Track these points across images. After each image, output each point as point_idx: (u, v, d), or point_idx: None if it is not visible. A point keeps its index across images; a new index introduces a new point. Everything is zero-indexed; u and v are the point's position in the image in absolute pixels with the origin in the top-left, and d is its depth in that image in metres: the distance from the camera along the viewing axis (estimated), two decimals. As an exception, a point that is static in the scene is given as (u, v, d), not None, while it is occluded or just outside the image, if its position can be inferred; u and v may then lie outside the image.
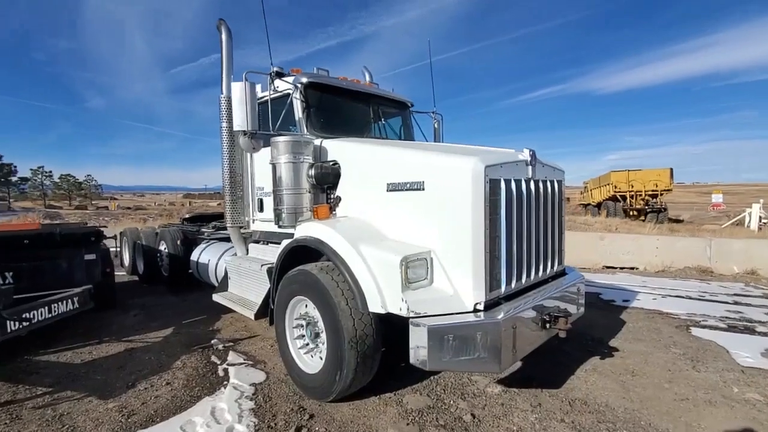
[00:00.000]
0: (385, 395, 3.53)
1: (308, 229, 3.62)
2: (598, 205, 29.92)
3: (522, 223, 3.35)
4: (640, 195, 25.97)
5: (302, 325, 3.63)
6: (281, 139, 3.97)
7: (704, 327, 5.38)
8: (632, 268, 9.78)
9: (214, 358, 4.48)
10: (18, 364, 4.31)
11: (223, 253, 5.81)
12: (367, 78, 6.43)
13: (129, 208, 43.13)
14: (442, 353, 2.73)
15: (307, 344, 3.59)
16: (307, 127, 4.40)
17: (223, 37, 4.74)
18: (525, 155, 3.41)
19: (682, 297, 6.95)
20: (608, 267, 9.96)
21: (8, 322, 3.68)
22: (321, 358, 3.38)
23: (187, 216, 10.03)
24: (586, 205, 33.74)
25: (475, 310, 2.95)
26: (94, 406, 3.48)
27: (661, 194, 25.63)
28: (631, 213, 26.09)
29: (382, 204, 3.56)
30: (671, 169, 25.76)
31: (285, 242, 3.88)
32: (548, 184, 3.73)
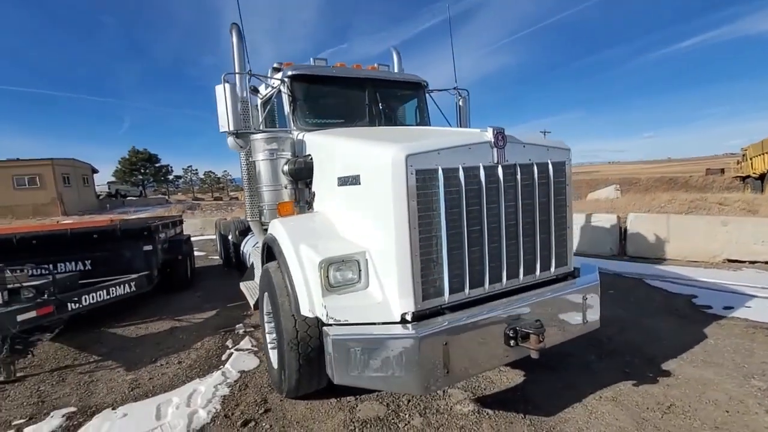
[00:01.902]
0: (345, 399, 3.39)
1: (271, 227, 3.63)
2: (761, 177, 23.40)
3: (482, 220, 2.79)
4: (826, 162, 19.46)
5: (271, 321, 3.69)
6: (258, 136, 4.03)
7: (830, 354, 3.81)
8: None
9: (229, 342, 4.90)
10: (92, 334, 5.37)
11: (256, 244, 6.26)
12: (395, 60, 6.10)
13: (256, 197, 49.80)
14: (349, 367, 2.48)
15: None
16: (294, 121, 4.38)
17: (234, 40, 4.95)
18: (487, 136, 2.80)
19: (821, 307, 5.03)
20: (732, 260, 7.76)
21: (68, 303, 4.58)
22: (281, 355, 3.40)
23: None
24: (744, 178, 26.79)
25: (403, 321, 2.58)
26: (117, 376, 4.14)
27: None
28: (812, 186, 19.79)
29: (336, 200, 3.35)
30: None
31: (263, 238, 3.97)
32: (534, 168, 3.02)
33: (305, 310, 2.85)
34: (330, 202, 3.50)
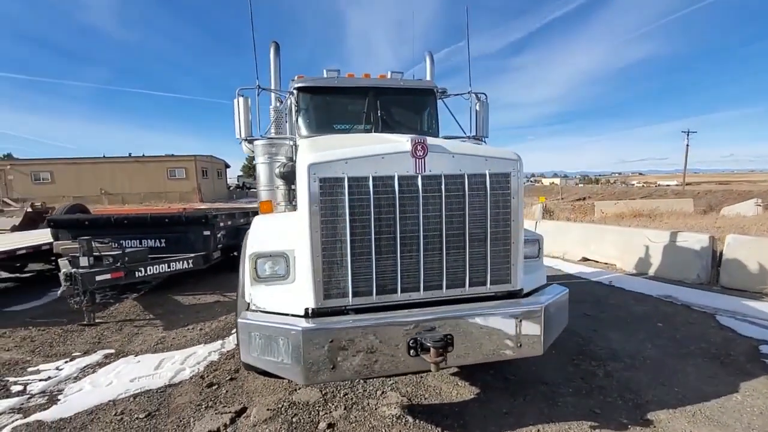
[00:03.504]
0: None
1: (253, 222, 4.15)
2: None
3: (395, 229, 2.84)
4: None
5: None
6: (258, 142, 4.61)
7: None
8: None
9: (247, 319, 5.65)
10: (160, 298, 6.71)
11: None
12: (427, 65, 6.20)
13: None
14: (250, 348, 2.81)
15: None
16: (298, 129, 4.86)
17: (272, 56, 5.71)
18: (406, 145, 2.84)
19: None
20: None
21: (135, 271, 5.85)
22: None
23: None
24: None
25: (306, 315, 2.82)
26: (155, 332, 5.19)
27: None
28: None
29: (297, 201, 3.70)
30: None
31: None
32: (465, 180, 2.92)
33: (247, 296, 3.27)
34: (298, 204, 3.87)
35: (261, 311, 2.99)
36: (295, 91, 4.90)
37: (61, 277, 5.22)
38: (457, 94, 5.41)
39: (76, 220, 6.95)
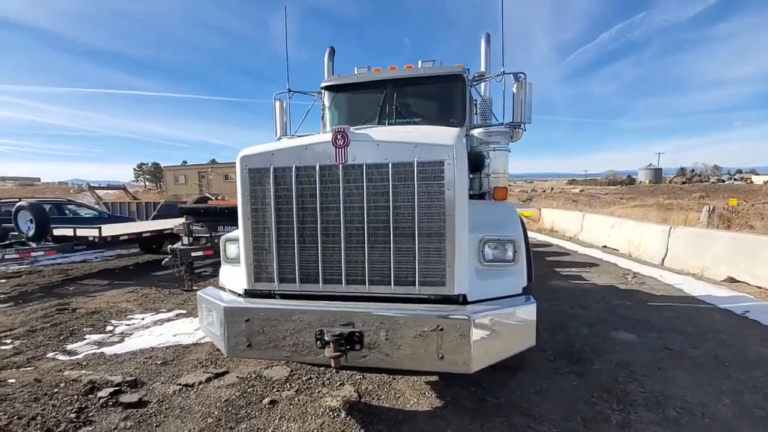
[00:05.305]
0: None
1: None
2: None
3: (316, 219, 2.84)
4: None
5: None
6: (284, 139, 5.08)
7: None
8: None
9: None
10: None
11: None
12: (482, 47, 5.82)
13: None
14: (202, 319, 3.21)
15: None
16: (325, 126, 5.16)
17: (326, 59, 6.24)
18: (326, 136, 2.82)
19: None
20: None
21: (221, 250, 7.13)
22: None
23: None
24: None
25: (242, 295, 3.09)
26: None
27: None
28: None
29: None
30: None
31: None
32: (389, 169, 2.71)
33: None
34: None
35: (224, 288, 3.39)
36: (322, 91, 5.21)
37: (168, 250, 6.78)
38: (489, 77, 4.86)
39: (194, 209, 8.86)
